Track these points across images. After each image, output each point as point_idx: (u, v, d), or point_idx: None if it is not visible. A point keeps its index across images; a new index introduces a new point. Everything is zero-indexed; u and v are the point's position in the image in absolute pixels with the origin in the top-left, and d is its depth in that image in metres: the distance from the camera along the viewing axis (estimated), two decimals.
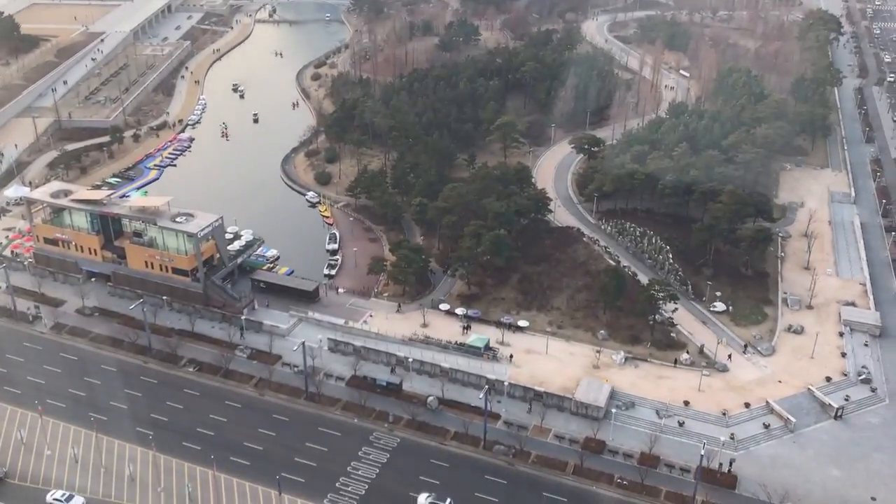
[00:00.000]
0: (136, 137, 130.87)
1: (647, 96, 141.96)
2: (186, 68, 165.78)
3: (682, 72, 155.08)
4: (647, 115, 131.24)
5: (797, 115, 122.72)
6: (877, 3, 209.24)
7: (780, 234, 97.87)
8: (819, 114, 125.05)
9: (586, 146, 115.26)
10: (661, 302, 79.79)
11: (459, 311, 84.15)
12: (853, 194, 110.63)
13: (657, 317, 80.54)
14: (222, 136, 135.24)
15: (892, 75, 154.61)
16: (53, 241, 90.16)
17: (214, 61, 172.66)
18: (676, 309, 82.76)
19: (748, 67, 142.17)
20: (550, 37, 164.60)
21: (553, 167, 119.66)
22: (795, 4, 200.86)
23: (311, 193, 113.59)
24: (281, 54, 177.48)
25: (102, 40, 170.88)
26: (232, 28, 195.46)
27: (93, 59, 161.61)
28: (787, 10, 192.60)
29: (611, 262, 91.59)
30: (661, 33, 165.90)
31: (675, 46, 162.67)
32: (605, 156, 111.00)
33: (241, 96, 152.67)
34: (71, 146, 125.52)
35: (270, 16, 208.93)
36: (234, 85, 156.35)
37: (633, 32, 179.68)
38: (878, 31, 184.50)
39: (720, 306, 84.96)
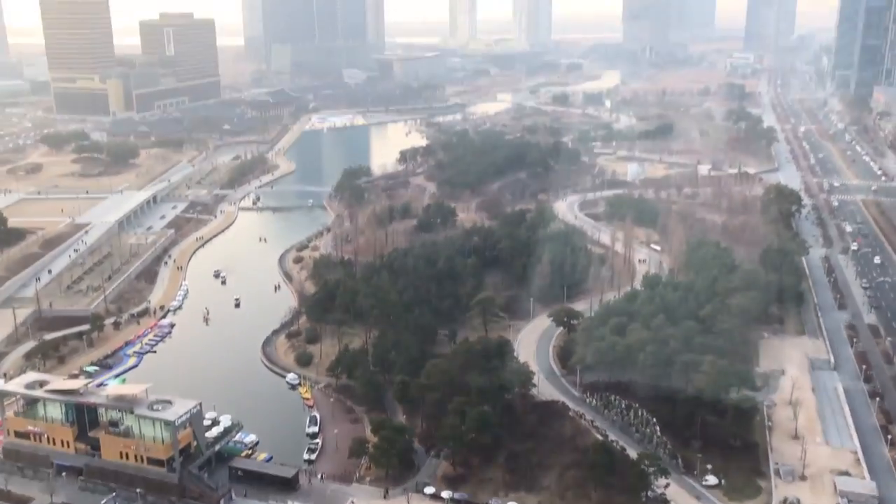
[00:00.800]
0: (116, 325, 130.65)
1: (621, 270, 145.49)
2: (169, 256, 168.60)
3: (652, 246, 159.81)
4: (623, 288, 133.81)
5: (769, 285, 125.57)
6: (833, 179, 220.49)
7: (765, 404, 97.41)
8: (790, 282, 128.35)
9: (565, 319, 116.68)
10: (652, 477, 77.88)
11: (446, 494, 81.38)
12: (833, 360, 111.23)
13: (649, 493, 78.29)
14: (204, 321, 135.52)
15: (854, 244, 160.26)
16: (24, 435, 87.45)
17: (197, 248, 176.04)
18: (668, 484, 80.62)
19: (717, 240, 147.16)
20: (524, 216, 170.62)
21: (534, 340, 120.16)
22: (756, 180, 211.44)
23: (291, 375, 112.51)
24: (265, 239, 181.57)
25: (87, 231, 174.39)
26: (216, 216, 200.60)
27: (75, 250, 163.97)
28: (749, 186, 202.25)
29: (598, 436, 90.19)
30: (630, 210, 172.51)
31: (644, 222, 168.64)
32: (584, 328, 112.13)
33: (223, 282, 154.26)
34: (50, 335, 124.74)
35: (254, 203, 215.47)
36: (216, 271, 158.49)
37: (602, 210, 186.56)
38: (837, 204, 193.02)
39: (712, 480, 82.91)
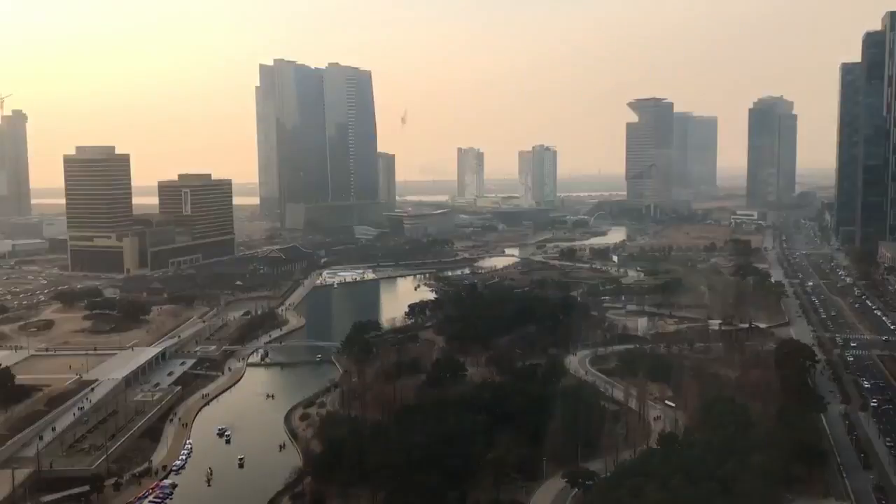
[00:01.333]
0: (116, 486, 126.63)
1: (636, 427, 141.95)
2: (175, 413, 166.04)
3: (667, 402, 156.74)
4: (638, 446, 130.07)
5: (789, 443, 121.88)
6: (846, 334, 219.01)
7: None
8: (811, 440, 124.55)
9: (580, 480, 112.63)
10: None
11: None
12: None
13: None
14: (206, 481, 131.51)
15: (874, 400, 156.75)
16: None
17: (203, 406, 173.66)
18: None
19: (732, 396, 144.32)
20: (535, 371, 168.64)
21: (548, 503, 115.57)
22: (768, 335, 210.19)
23: None
24: (273, 396, 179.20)
25: (93, 389, 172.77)
26: (223, 373, 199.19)
27: (80, 408, 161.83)
28: (761, 341, 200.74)
29: None
30: (643, 366, 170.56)
31: (657, 378, 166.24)
32: (600, 490, 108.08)
33: (228, 441, 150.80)
34: (48, 497, 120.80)
35: (262, 359, 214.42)
36: (219, 429, 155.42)
37: (615, 365, 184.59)
38: (852, 359, 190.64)
39: None
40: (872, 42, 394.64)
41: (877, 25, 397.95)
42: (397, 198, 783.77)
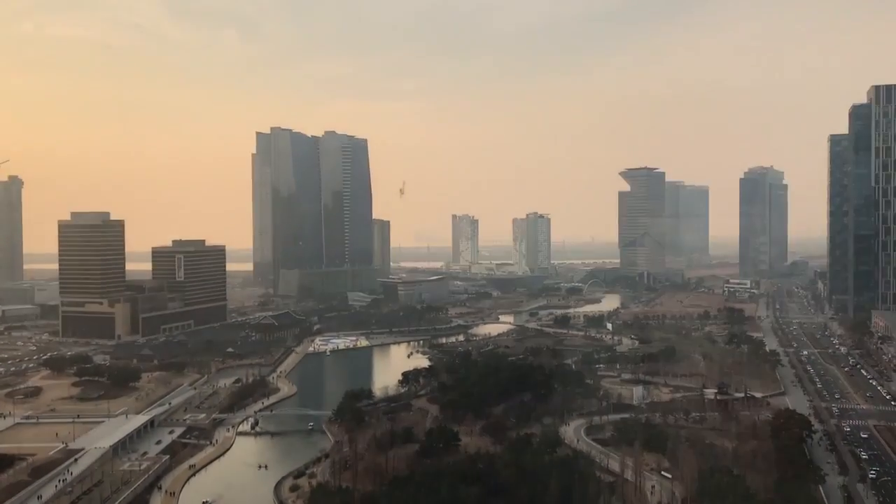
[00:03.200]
0: None
1: (632, 499, 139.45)
2: (161, 485, 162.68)
3: (663, 473, 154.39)
4: None
5: None
6: (842, 404, 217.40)
7: None
8: None
9: None
10: None
11: None
12: None
13: None
14: None
15: (873, 472, 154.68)
16: None
17: (191, 476, 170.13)
18: None
19: (729, 467, 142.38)
20: (530, 441, 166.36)
21: None
22: (763, 404, 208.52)
23: None
24: (266, 466, 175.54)
25: (76, 459, 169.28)
26: (212, 442, 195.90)
27: (62, 480, 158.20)
28: (757, 411, 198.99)
29: None
30: (638, 435, 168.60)
31: (653, 448, 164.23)
32: None
33: None
34: None
35: (252, 428, 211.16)
36: (205, 502, 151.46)
37: (610, 435, 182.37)
38: (849, 429, 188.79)
39: None
40: (859, 114, 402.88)
41: (863, 98, 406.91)
42: (392, 264, 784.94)
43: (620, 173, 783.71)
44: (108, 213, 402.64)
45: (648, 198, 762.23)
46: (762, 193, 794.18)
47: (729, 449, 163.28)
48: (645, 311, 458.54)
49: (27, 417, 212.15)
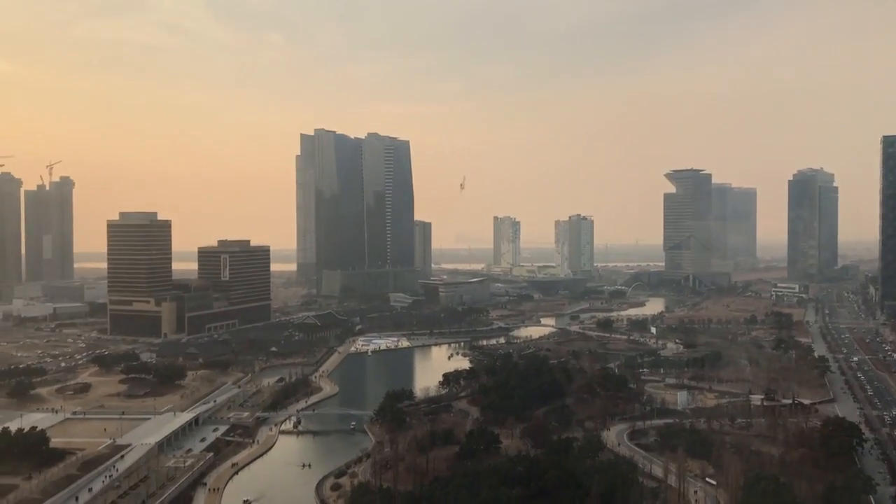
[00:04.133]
0: None
1: None
2: (206, 481, 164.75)
3: (707, 479, 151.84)
4: None
5: None
6: (894, 412, 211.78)
7: None
8: None
9: None
10: None
11: None
12: None
13: None
14: None
15: None
16: None
17: (234, 473, 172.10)
18: None
19: (776, 475, 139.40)
20: (571, 445, 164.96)
21: None
22: (812, 412, 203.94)
23: None
24: (309, 465, 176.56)
25: (122, 456, 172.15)
26: (255, 440, 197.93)
27: (109, 475, 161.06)
28: (805, 418, 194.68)
29: None
30: (682, 441, 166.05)
31: (697, 454, 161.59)
32: None
33: None
34: None
35: (295, 427, 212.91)
36: (245, 501, 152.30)
37: (653, 440, 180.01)
38: None
39: None
40: None
41: None
42: (433, 265, 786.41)
43: (666, 175, 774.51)
44: (155, 214, 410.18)
45: (694, 200, 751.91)
46: (811, 196, 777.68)
47: (775, 456, 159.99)
48: (690, 315, 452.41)
49: (76, 413, 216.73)
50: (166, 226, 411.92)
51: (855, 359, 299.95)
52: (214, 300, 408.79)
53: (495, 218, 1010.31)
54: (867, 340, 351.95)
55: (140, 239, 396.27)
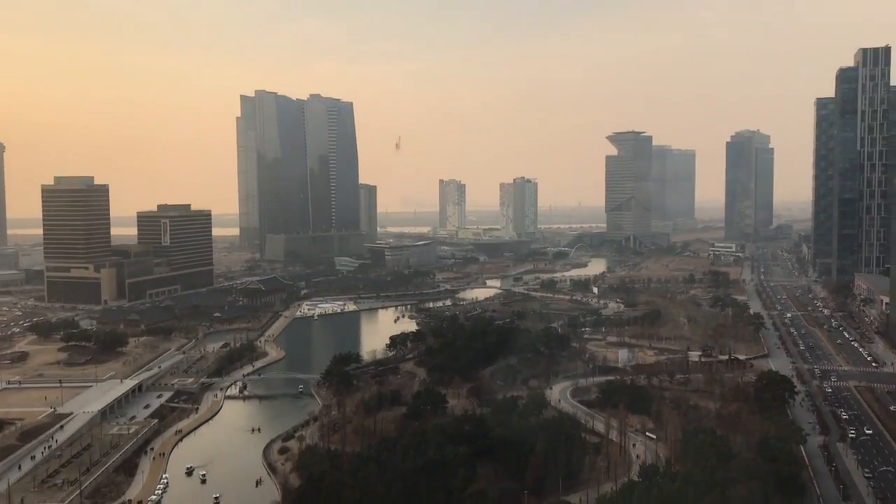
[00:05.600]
0: None
1: (617, 459, 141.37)
2: (151, 448, 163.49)
3: (648, 434, 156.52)
4: (619, 479, 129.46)
5: (769, 475, 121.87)
6: (824, 365, 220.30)
7: None
8: (791, 472, 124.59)
9: None
10: None
11: None
12: None
13: None
14: None
15: (852, 431, 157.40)
16: None
17: (180, 439, 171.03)
18: None
19: (713, 428, 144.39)
20: (516, 403, 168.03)
21: None
22: (747, 367, 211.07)
23: None
24: (259, 430, 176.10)
25: (62, 427, 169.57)
26: (201, 406, 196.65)
27: (49, 446, 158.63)
28: (741, 373, 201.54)
29: None
30: (624, 397, 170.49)
31: (637, 410, 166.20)
32: None
33: (204, 479, 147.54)
34: None
35: (241, 392, 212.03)
36: (188, 468, 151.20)
37: (595, 397, 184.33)
38: (830, 390, 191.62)
39: None
40: (846, 78, 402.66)
41: (850, 62, 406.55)
42: (379, 229, 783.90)
43: (608, 137, 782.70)
44: (91, 178, 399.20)
45: (635, 162, 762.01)
46: (748, 157, 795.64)
47: (712, 410, 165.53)
48: (630, 275, 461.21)
49: (14, 382, 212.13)
50: (104, 190, 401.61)
51: (788, 315, 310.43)
52: (155, 266, 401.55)
53: (441, 181, 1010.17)
54: (800, 297, 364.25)
55: (76, 204, 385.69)
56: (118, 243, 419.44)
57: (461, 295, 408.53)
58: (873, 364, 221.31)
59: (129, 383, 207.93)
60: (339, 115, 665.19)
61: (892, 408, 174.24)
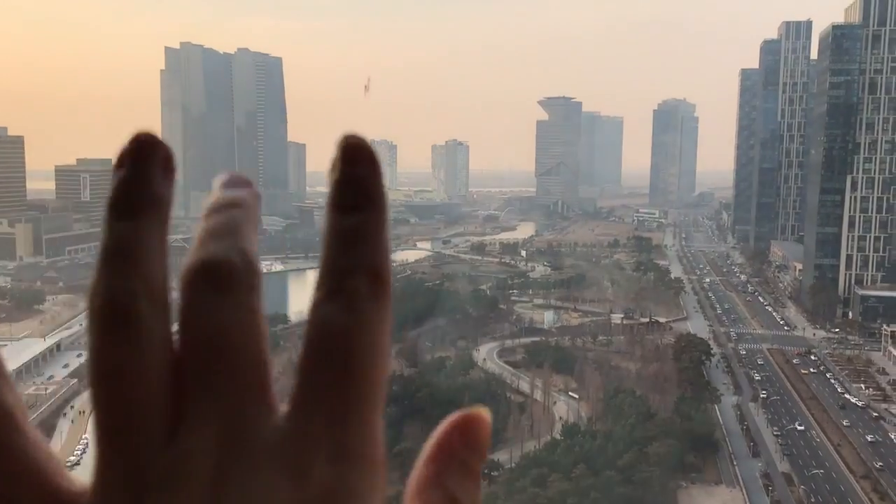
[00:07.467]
0: None
1: (541, 418, 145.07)
2: (71, 408, 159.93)
3: (570, 393, 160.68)
4: (543, 437, 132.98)
5: (685, 433, 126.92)
6: (739, 329, 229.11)
7: None
8: (705, 430, 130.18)
9: (485, 471, 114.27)
10: None
11: None
12: None
13: None
14: None
15: (763, 392, 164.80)
16: None
17: None
18: None
19: (632, 388, 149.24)
20: (444, 363, 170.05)
21: None
22: (667, 329, 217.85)
23: None
24: None
25: None
26: None
27: None
28: (660, 335, 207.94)
29: None
30: (548, 358, 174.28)
31: (561, 370, 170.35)
32: (504, 480, 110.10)
33: None
34: None
35: None
36: None
37: (521, 358, 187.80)
38: (745, 352, 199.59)
39: None
40: (769, 49, 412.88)
41: (774, 34, 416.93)
42: (308, 188, 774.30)
43: (538, 102, 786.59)
44: (5, 129, 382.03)
45: (565, 127, 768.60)
46: (674, 125, 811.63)
47: (633, 371, 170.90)
48: (558, 239, 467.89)
49: None
50: (18, 142, 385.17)
51: (707, 280, 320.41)
52: (75, 221, 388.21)
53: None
54: (719, 263, 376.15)
55: None
56: (35, 198, 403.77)
57: (392, 257, 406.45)
58: (785, 328, 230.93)
59: (47, 342, 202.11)
60: (268, 71, 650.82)
61: (801, 370, 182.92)
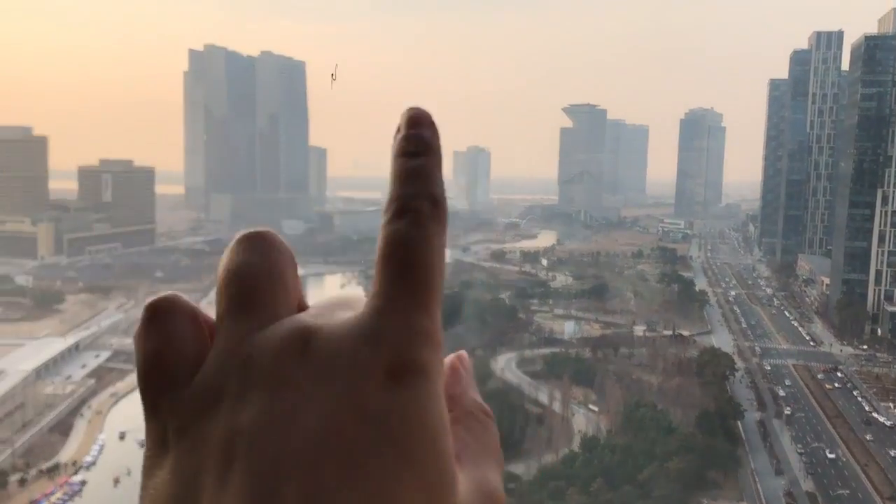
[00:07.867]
0: (22, 482, 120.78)
1: (559, 430, 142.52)
2: (88, 408, 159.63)
3: (590, 406, 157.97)
4: (561, 450, 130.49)
5: (706, 449, 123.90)
6: (764, 343, 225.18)
7: None
8: (727, 447, 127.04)
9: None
10: None
11: None
12: None
13: None
14: (114, 482, 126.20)
15: (788, 409, 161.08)
16: None
17: (117, 400, 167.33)
18: None
19: (654, 402, 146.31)
20: None
21: None
22: (690, 343, 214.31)
23: None
24: None
25: None
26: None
27: None
28: (684, 348, 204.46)
29: None
30: (568, 369, 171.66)
31: (581, 382, 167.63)
32: (521, 493, 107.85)
33: (142, 445, 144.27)
34: None
35: None
36: (121, 433, 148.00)
37: (540, 368, 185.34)
38: (769, 368, 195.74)
39: None
40: (799, 60, 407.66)
41: (804, 44, 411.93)
42: (328, 193, 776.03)
43: (563, 109, 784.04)
44: (30, 128, 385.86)
45: (589, 135, 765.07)
46: (701, 135, 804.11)
47: (655, 384, 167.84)
48: (580, 248, 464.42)
49: None
50: (42, 142, 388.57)
51: (732, 293, 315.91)
52: (95, 222, 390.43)
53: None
54: (744, 275, 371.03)
55: (13, 155, 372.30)
56: (57, 198, 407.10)
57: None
58: (811, 343, 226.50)
59: (66, 342, 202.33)
60: (291, 75, 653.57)
61: (826, 386, 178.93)
